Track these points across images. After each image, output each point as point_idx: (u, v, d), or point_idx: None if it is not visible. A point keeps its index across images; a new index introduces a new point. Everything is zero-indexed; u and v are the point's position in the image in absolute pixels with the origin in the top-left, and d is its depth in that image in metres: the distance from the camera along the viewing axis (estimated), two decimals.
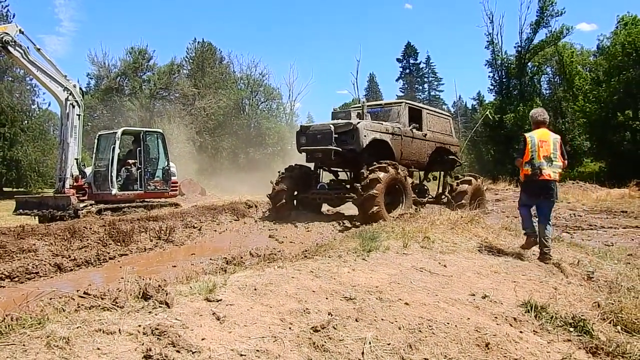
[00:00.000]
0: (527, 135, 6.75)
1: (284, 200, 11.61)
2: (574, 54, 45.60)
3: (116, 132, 14.55)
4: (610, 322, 4.12)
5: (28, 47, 12.90)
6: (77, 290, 4.88)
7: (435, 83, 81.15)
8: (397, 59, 79.85)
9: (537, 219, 6.97)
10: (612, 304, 4.51)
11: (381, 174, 10.44)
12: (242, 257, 7.33)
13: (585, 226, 12.93)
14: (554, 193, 6.74)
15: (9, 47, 12.33)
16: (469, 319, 3.68)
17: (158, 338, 2.66)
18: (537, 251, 6.81)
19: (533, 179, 6.62)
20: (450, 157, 14.03)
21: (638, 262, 7.53)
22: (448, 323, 3.50)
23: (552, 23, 41.51)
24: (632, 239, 10.79)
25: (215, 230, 10.64)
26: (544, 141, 6.62)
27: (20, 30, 12.66)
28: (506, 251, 6.80)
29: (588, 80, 41.46)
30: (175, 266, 7.09)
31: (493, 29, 43.98)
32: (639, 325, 4.13)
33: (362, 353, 2.91)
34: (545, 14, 41.27)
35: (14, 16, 32.89)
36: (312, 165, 12.37)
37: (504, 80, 44.24)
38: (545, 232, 6.62)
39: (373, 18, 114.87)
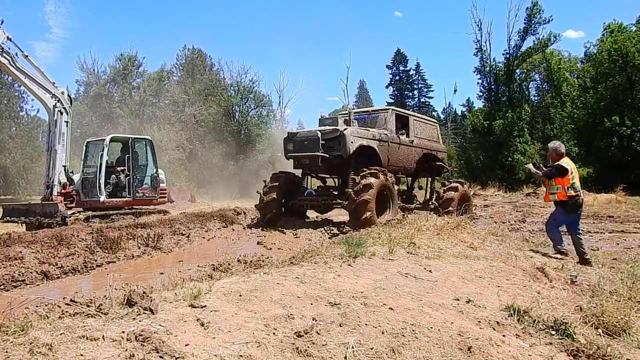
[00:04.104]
0: (562, 163, 7.96)
1: (274, 211, 11.62)
2: (562, 60, 46.04)
3: (104, 139, 14.48)
4: (591, 325, 4.18)
5: (16, 54, 12.89)
6: (63, 298, 4.85)
7: (425, 90, 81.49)
8: (387, 66, 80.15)
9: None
10: (594, 307, 4.57)
11: (373, 180, 10.48)
12: (229, 264, 7.31)
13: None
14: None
15: None
16: (452, 323, 3.71)
17: (142, 344, 2.67)
18: (525, 255, 6.93)
19: (576, 200, 7.95)
20: (438, 163, 14.13)
21: (622, 266, 7.65)
22: (431, 327, 3.54)
23: (539, 30, 41.85)
24: (618, 244, 10.93)
25: (204, 237, 10.61)
26: (574, 169, 8.02)
27: (8, 37, 12.63)
28: (491, 256, 6.86)
29: (575, 87, 41.85)
30: (162, 273, 7.07)
31: (482, 36, 44.25)
32: (620, 328, 4.20)
33: (345, 357, 2.94)
34: (533, 22, 41.59)
35: (2, 22, 32.53)
36: (299, 172, 12.38)
37: (492, 86, 44.45)
38: (580, 240, 7.97)
39: (363, 25, 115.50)
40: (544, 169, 8.41)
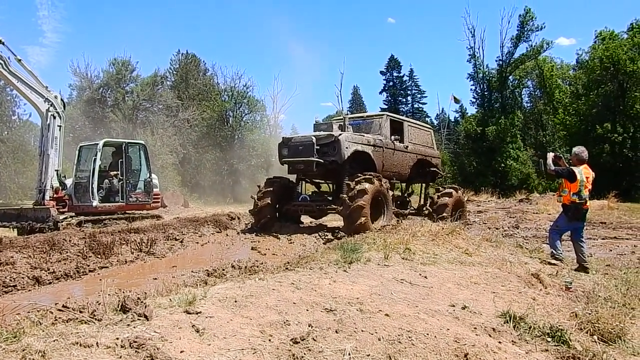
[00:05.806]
0: (575, 170, 7.94)
1: (268, 216, 11.61)
2: (554, 67, 46.44)
3: (98, 144, 14.41)
4: (587, 332, 4.17)
5: (9, 58, 12.78)
6: (56, 304, 4.79)
7: (419, 96, 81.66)
8: (381, 72, 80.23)
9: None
10: (589, 313, 4.57)
11: (368, 185, 10.48)
12: (223, 270, 7.27)
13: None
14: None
15: None
16: (448, 329, 3.70)
17: (136, 351, 2.64)
18: (519, 261, 6.93)
19: (579, 207, 7.99)
20: (432, 169, 14.15)
21: (615, 272, 7.66)
22: (427, 334, 3.52)
23: (532, 37, 42.27)
24: (611, 250, 10.96)
25: (198, 243, 10.56)
26: (587, 177, 7.99)
27: (1, 41, 12.54)
28: (486, 262, 6.86)
29: (568, 94, 42.23)
30: (156, 279, 7.02)
31: (475, 43, 44.54)
32: (615, 334, 4.19)
33: None
34: (525, 29, 41.95)
35: None
36: (294, 177, 12.37)
37: (485, 93, 44.69)
38: (582, 248, 8.04)
39: (356, 31, 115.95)
40: (565, 165, 8.43)
